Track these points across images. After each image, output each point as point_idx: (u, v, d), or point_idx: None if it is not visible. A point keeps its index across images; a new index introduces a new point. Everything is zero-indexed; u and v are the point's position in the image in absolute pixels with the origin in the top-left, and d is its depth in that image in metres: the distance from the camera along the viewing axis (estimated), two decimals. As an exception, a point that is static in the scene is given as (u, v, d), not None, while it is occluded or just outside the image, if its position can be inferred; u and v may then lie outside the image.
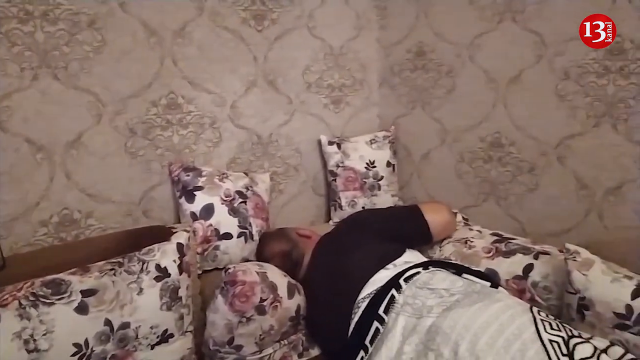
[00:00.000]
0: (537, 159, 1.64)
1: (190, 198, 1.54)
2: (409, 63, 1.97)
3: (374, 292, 1.26)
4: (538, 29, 1.56)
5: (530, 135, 1.64)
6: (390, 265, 1.33)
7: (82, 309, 1.05)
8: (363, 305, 1.26)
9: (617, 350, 1.00)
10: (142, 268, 1.18)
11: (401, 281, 1.23)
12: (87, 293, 1.07)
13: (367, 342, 1.19)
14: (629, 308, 1.04)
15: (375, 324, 1.20)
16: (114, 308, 1.09)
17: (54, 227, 1.43)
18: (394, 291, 1.22)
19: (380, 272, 1.31)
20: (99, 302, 1.08)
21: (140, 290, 1.15)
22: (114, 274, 1.14)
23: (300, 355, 1.42)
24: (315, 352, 1.45)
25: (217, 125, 1.70)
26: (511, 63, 1.64)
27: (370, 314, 1.22)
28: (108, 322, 1.07)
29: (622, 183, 1.46)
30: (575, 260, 1.14)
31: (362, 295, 1.28)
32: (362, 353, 1.19)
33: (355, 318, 1.26)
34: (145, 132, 1.56)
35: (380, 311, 1.20)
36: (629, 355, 0.99)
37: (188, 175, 1.57)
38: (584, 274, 1.11)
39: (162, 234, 1.32)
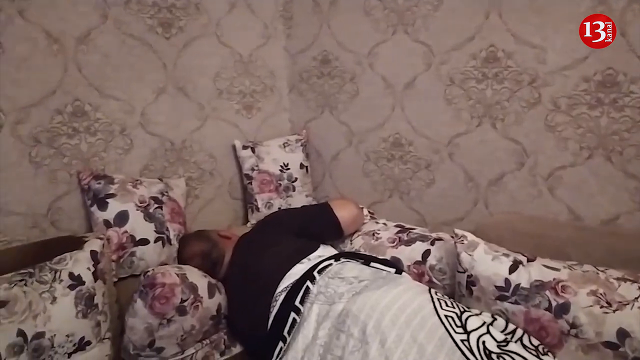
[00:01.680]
0: (432, 156, 1.81)
1: (103, 206, 1.52)
2: (315, 70, 2.08)
3: (290, 285, 1.34)
4: (426, 40, 1.73)
5: (425, 135, 1.82)
6: (304, 260, 1.42)
7: (-9, 322, 1.03)
8: (280, 299, 1.33)
9: (501, 323, 1.17)
10: (54, 277, 1.17)
11: (315, 273, 1.33)
12: (-4, 305, 1.05)
13: (285, 332, 1.26)
14: (507, 281, 1.21)
15: (292, 314, 1.27)
16: (27, 318, 1.08)
17: (-47, 243, 1.35)
18: (308, 283, 1.31)
19: (295, 267, 1.39)
20: (10, 313, 1.06)
21: (54, 299, 1.14)
22: (25, 285, 1.12)
23: (222, 354, 1.46)
24: (237, 349, 1.49)
25: (127, 132, 1.69)
26: (405, 70, 1.80)
27: (287, 306, 1.30)
28: (21, 333, 1.06)
29: (502, 175, 1.66)
30: (462, 243, 1.30)
31: (279, 289, 1.35)
32: (281, 344, 1.26)
33: (274, 311, 1.33)
34: (51, 140, 1.52)
35: (297, 302, 1.28)
36: (512, 326, 1.16)
37: (99, 183, 1.55)
38: (470, 255, 1.27)
39: (72, 244, 1.31)
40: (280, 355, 1.26)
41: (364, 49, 1.90)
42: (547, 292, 1.15)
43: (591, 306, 1.09)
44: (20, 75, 1.43)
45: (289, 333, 1.26)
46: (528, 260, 1.24)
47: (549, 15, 1.46)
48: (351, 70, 1.97)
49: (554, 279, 1.17)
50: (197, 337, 1.39)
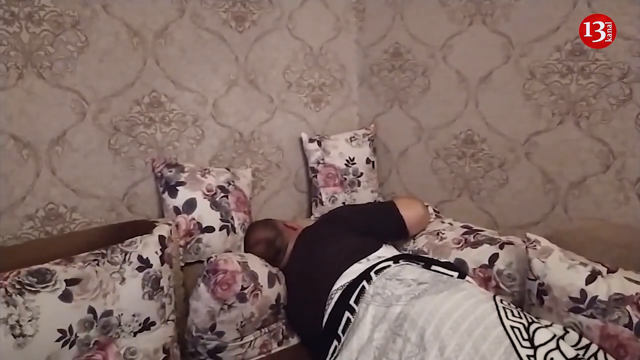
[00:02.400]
0: (507, 155, 1.71)
1: (173, 193, 1.59)
2: (386, 63, 2.04)
3: (347, 284, 1.32)
4: (505, 31, 1.62)
5: (499, 133, 1.72)
6: (363, 260, 1.39)
7: (66, 297, 1.10)
8: (336, 297, 1.31)
9: (573, 336, 1.07)
10: (124, 259, 1.23)
11: (372, 273, 1.29)
12: (71, 282, 1.12)
13: (339, 331, 1.25)
14: (583, 292, 1.11)
15: (347, 314, 1.25)
16: (97, 296, 1.14)
17: (40, 221, 1.47)
18: (364, 282, 1.27)
19: (353, 266, 1.36)
20: (83, 290, 1.12)
21: (123, 280, 1.20)
22: (97, 264, 1.19)
23: (280, 343, 1.47)
24: (294, 340, 1.50)
25: (199, 123, 1.75)
26: (481, 63, 1.71)
27: (342, 304, 1.28)
28: (92, 310, 1.12)
29: (585, 177, 1.53)
30: (535, 248, 1.21)
31: (335, 287, 1.33)
32: (335, 342, 1.25)
33: (329, 309, 1.31)
34: (129, 129, 1.60)
35: (351, 301, 1.26)
36: (585, 340, 1.06)
37: (171, 171, 1.62)
38: (542, 261, 1.18)
39: (144, 228, 1.37)
40: (335, 354, 1.24)
41: (438, 42, 1.83)
42: (628, 307, 1.05)
43: (681, 328, 0.98)
44: (102, 67, 1.52)
45: (343, 332, 1.24)
46: (608, 272, 1.13)
47: (647, 3, 1.32)
48: (423, 63, 1.90)
49: (636, 294, 1.06)
50: (256, 324, 1.41)
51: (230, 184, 1.69)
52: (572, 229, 1.43)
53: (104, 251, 1.23)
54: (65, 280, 1.11)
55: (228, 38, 1.77)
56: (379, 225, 1.53)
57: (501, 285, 1.35)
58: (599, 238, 1.33)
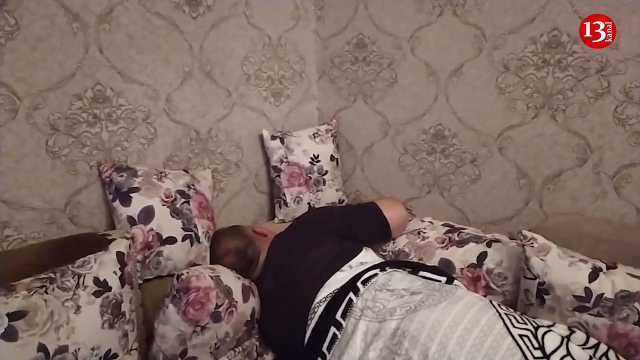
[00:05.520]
0: (479, 150, 1.67)
1: (126, 201, 1.39)
2: (348, 55, 1.93)
3: (331, 295, 1.22)
4: (478, 23, 1.58)
5: (471, 127, 1.67)
6: (345, 267, 1.29)
7: (9, 335, 0.91)
8: (319, 310, 1.21)
9: (580, 336, 1.03)
10: (78, 283, 1.05)
11: (359, 284, 1.20)
12: (14, 316, 0.92)
13: (324, 349, 1.15)
14: (587, 291, 1.07)
15: (332, 329, 1.16)
16: (48, 331, 0.96)
17: (-37, 241, 1.22)
18: (351, 294, 1.18)
19: (336, 275, 1.27)
20: (30, 325, 0.93)
21: (78, 308, 1.02)
22: (46, 292, 0.99)
23: (254, 362, 1.34)
24: (269, 357, 1.39)
25: (151, 120, 1.55)
26: (452, 56, 1.65)
27: (327, 318, 1.18)
28: (42, 348, 0.94)
29: (561, 171, 1.52)
30: (532, 246, 1.17)
31: (317, 299, 1.23)
32: None
33: (312, 323, 1.21)
34: (69, 128, 1.38)
35: (337, 316, 1.16)
36: (593, 340, 1.03)
37: (122, 176, 1.41)
38: (542, 259, 1.14)
39: (93, 243, 1.19)
40: None
41: (405, 33, 1.75)
42: (637, 305, 1.02)
43: (690, 323, 0.96)
44: (36, 56, 1.28)
45: (328, 350, 1.14)
46: (608, 268, 1.11)
47: (626, -6, 1.32)
48: (389, 55, 1.82)
49: (642, 290, 1.03)
50: (231, 344, 1.28)
51: (190, 188, 1.51)
52: (554, 225, 1.41)
53: (52, 275, 1.03)
54: (7, 315, 0.91)
55: (181, 24, 1.58)
56: (363, 227, 1.44)
57: (491, 284, 1.30)
58: (585, 233, 1.32)
